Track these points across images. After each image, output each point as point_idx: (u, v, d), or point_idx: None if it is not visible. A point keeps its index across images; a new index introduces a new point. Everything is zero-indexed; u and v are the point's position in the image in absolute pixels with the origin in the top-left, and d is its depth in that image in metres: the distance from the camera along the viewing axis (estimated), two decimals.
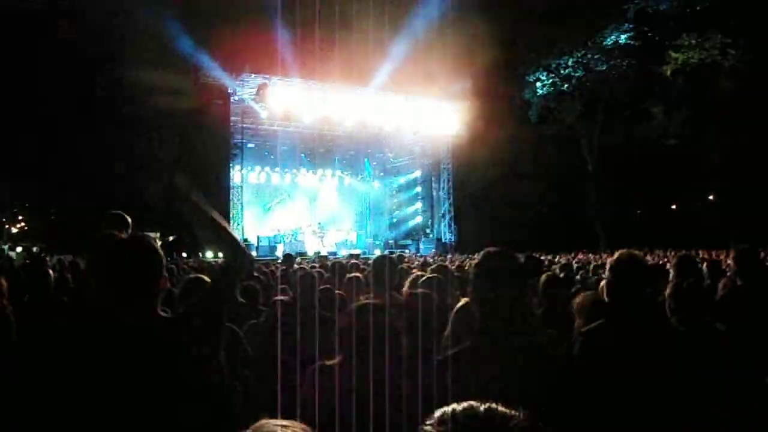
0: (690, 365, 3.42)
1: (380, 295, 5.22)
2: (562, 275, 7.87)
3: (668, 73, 37.53)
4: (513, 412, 1.17)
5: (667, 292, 4.69)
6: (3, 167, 40.20)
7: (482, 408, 1.17)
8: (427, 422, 1.18)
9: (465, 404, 1.19)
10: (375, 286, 5.89)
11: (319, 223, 34.37)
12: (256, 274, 9.39)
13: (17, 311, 3.81)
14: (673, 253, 21.52)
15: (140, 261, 2.74)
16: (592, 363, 3.31)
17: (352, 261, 13.85)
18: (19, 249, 40.11)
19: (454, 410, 1.17)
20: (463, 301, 4.37)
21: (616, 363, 3.27)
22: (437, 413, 1.19)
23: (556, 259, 20.11)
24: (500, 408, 1.18)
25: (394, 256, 13.77)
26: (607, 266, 3.74)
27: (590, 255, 25.55)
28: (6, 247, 38.76)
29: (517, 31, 39.97)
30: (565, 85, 43.07)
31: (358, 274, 7.09)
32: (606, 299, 3.78)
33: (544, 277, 6.03)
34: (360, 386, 3.05)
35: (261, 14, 32.34)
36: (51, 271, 7.84)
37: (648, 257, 18.67)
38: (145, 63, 34.48)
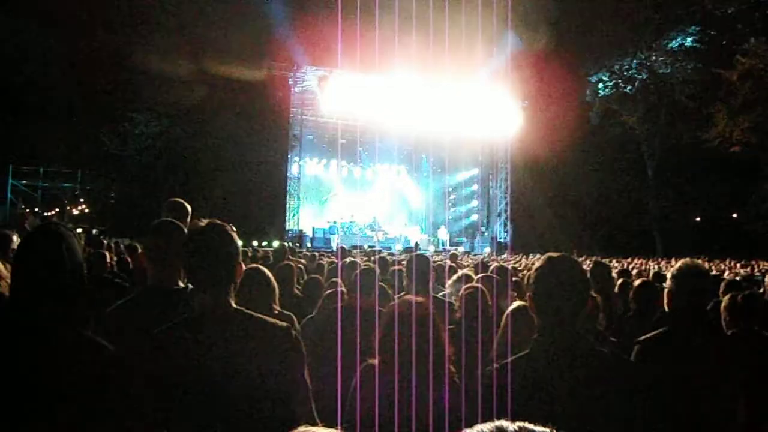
0: (748, 377, 3.36)
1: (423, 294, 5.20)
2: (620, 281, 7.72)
3: (734, 78, 36.66)
4: (546, 430, 1.11)
5: (723, 304, 4.61)
6: (66, 152, 41.04)
7: (512, 428, 1.11)
8: None
9: (493, 425, 1.12)
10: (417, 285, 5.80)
11: (375, 217, 34.45)
12: (301, 266, 9.36)
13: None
14: (733, 263, 21.14)
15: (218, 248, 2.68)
16: (651, 372, 3.24)
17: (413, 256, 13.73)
18: (79, 230, 40.84)
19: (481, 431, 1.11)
20: (516, 303, 4.32)
21: (676, 372, 3.22)
22: None
23: (612, 263, 19.87)
24: (532, 427, 1.11)
25: (451, 253, 13.73)
26: (669, 275, 3.66)
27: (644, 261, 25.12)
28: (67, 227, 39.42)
29: (581, 31, 39.58)
30: (628, 87, 42.53)
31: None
32: (666, 308, 3.71)
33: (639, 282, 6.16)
34: (399, 391, 3.04)
35: (322, 7, 32.57)
36: (107, 253, 8.02)
37: (705, 266, 18.34)
38: (209, 53, 34.96)
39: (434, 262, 7.47)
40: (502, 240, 35.28)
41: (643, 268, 17.92)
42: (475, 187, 38.92)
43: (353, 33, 29.46)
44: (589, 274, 6.17)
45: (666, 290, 3.68)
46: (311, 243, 29.56)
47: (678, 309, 3.53)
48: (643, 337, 3.52)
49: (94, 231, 38.67)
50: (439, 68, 31.07)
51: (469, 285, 5.16)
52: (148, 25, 36.99)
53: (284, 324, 2.75)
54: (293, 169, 31.73)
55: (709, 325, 3.64)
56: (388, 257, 12.51)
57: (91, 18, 36.06)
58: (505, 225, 36.13)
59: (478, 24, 32.15)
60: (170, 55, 35.09)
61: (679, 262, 3.61)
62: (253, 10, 34.87)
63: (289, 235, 30.41)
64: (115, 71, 37.34)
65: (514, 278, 6.76)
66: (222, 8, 35.63)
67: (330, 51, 29.74)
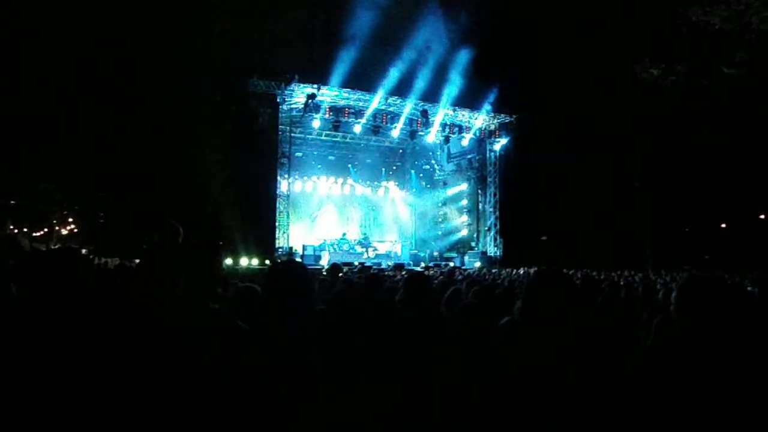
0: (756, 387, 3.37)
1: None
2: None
3: (721, 88, 36.70)
4: None
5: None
6: (55, 170, 40.92)
7: None
8: None
9: None
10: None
11: (365, 234, 34.46)
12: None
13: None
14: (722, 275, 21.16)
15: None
16: (659, 385, 3.24)
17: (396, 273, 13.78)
18: None
19: None
20: (506, 318, 4.33)
21: (685, 384, 3.21)
22: None
23: (601, 276, 19.84)
24: None
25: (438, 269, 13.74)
26: (676, 288, 3.66)
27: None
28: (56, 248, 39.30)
29: (567, 44, 39.71)
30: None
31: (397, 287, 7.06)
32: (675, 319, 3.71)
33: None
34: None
35: (311, 24, 32.62)
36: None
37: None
38: (194, 71, 34.90)
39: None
40: (492, 255, 35.28)
41: (631, 280, 17.90)
42: (464, 202, 38.90)
43: (342, 50, 29.62)
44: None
45: (673, 304, 3.68)
46: (301, 260, 29.51)
47: (685, 322, 3.52)
48: (650, 352, 3.51)
49: (83, 251, 38.55)
50: (426, 83, 31.22)
51: (464, 301, 5.17)
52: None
53: None
54: (282, 187, 31.67)
55: (719, 334, 3.63)
56: (380, 274, 12.51)
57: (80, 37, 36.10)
58: (495, 240, 36.14)
59: (468, 38, 32.35)
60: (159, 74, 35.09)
61: (686, 275, 3.62)
62: (241, 27, 34.88)
63: (279, 252, 30.33)
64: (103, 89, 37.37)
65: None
66: (208, 25, 35.63)
67: (319, 67, 29.80)
